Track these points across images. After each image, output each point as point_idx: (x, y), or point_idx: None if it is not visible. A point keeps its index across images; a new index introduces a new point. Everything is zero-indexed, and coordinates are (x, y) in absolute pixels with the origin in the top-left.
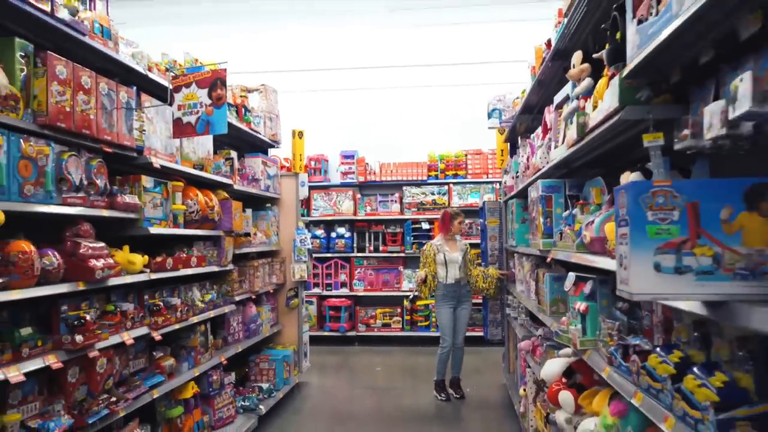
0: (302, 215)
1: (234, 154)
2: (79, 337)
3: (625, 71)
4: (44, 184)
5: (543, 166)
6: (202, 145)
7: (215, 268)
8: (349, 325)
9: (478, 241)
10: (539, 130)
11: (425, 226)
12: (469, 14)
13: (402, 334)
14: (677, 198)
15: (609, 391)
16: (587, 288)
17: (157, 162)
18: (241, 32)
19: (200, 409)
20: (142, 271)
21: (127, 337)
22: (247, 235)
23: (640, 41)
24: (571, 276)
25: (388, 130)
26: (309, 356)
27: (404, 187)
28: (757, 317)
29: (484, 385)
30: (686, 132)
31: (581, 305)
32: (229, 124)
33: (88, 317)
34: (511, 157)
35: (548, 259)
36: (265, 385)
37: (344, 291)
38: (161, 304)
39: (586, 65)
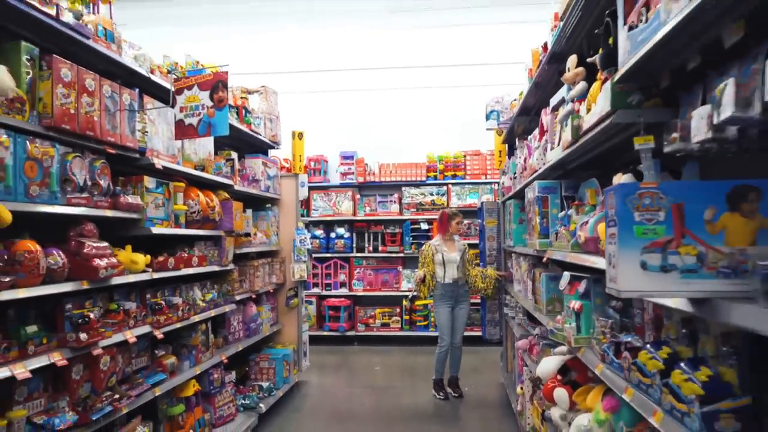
0: (302, 215)
1: (234, 155)
2: (83, 335)
3: (617, 76)
4: (49, 184)
5: (539, 168)
6: (203, 147)
7: (216, 268)
8: (348, 325)
9: (477, 242)
10: (536, 131)
11: (424, 226)
12: (468, 16)
13: (401, 333)
14: (663, 199)
15: (603, 388)
16: (581, 287)
17: (159, 163)
18: (242, 33)
19: (201, 407)
20: (144, 271)
21: (130, 335)
22: (248, 235)
23: (631, 47)
24: (566, 275)
25: (388, 131)
26: (309, 355)
27: (403, 188)
28: (738, 313)
29: (483, 385)
30: (675, 135)
31: (576, 304)
32: (230, 126)
33: (92, 315)
34: (509, 158)
35: (544, 259)
36: (265, 384)
37: (343, 291)
38: (163, 303)
39: (580, 69)
